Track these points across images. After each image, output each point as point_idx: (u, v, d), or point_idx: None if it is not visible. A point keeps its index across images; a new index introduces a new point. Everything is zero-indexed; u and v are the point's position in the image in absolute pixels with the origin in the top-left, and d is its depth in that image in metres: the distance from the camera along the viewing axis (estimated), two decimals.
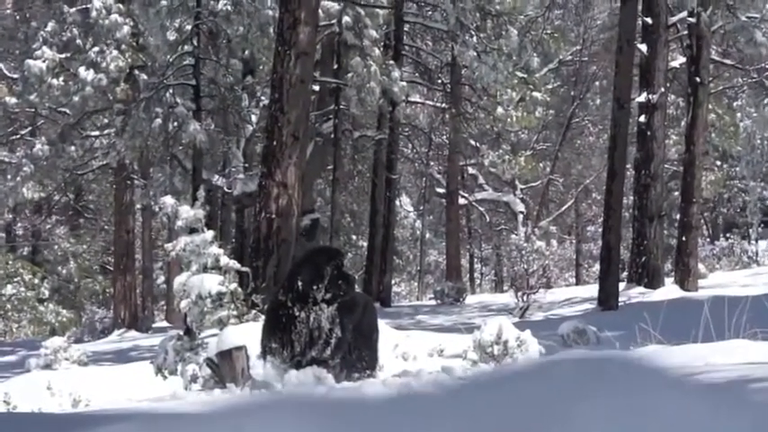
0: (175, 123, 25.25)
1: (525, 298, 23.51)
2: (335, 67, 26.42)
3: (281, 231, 15.77)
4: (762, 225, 40.08)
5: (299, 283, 7.56)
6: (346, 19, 24.99)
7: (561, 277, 42.08)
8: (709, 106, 28.79)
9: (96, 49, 25.01)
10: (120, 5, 25.31)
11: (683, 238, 25.35)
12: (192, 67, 25.21)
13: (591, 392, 3.00)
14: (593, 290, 24.43)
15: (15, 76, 29.64)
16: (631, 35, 22.83)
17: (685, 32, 26.27)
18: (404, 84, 26.10)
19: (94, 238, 41.49)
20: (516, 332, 11.06)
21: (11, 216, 40.00)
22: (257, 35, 24.83)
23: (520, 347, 10.84)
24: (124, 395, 11.32)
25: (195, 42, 24.90)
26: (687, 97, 26.65)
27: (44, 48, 25.45)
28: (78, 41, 25.88)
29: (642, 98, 24.75)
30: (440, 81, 32.07)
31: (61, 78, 25.51)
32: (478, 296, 33.92)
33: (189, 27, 25.05)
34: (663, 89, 24.87)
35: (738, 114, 35.62)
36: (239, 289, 11.23)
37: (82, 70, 24.87)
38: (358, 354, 7.94)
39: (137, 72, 26.35)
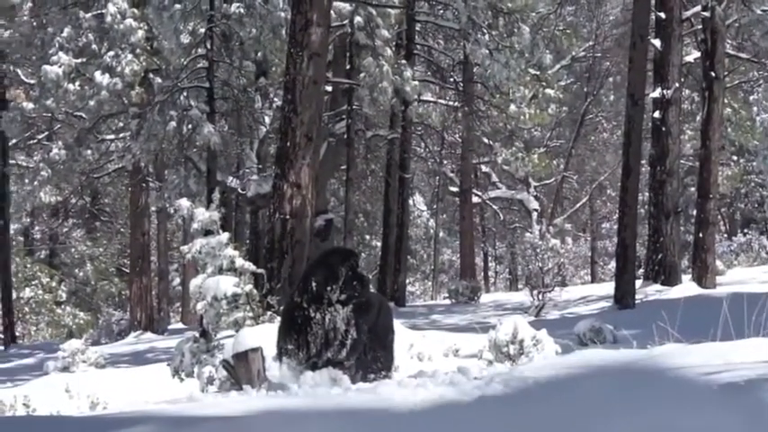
0: (190, 126, 25.29)
1: (540, 296, 23.43)
2: (348, 67, 26.41)
3: (296, 232, 15.76)
4: None
5: (314, 285, 7.54)
6: (358, 19, 24.97)
7: (576, 275, 42.03)
8: (725, 101, 28.62)
9: (111, 53, 25.06)
10: (135, 10, 25.35)
11: (700, 235, 25.22)
12: (205, 70, 25.24)
13: (611, 409, 2.96)
14: (608, 288, 24.34)
15: (32, 81, 29.71)
16: (645, 30, 22.72)
17: (700, 27, 26.14)
18: (416, 83, 26.05)
19: (110, 241, 41.63)
20: (532, 331, 11.02)
21: (28, 220, 40.20)
22: (270, 37, 24.84)
23: (536, 347, 10.81)
24: (141, 397, 11.35)
25: (208, 45, 24.93)
26: (702, 92, 26.52)
27: (60, 53, 25.51)
28: (94, 46, 25.93)
29: (656, 94, 24.65)
30: (452, 79, 32.00)
31: (77, 83, 25.56)
32: (493, 295, 33.86)
33: (202, 30, 25.09)
34: (677, 84, 24.76)
35: (755, 108, 35.39)
36: (254, 290, 11.21)
37: (97, 75, 24.92)
38: (373, 355, 7.92)
39: (151, 76, 26.40)
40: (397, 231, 29.22)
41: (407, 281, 35.20)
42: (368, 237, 43.30)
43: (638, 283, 23.24)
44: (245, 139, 27.19)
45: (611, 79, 43.86)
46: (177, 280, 44.28)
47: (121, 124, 29.90)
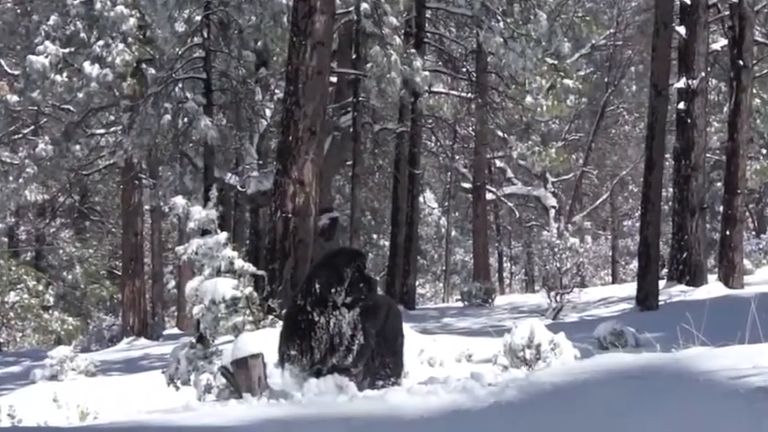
0: (185, 119, 25.35)
1: (558, 298, 23.45)
2: (354, 57, 26.42)
3: (298, 231, 15.78)
4: None
5: (318, 287, 7.56)
6: (364, 6, 24.98)
7: (596, 276, 42.02)
8: (754, 91, 28.59)
9: (101, 42, 25.12)
10: None
11: (727, 232, 25.20)
12: (202, 60, 25.29)
13: (633, 416, 2.97)
14: (630, 289, 24.35)
15: (17, 72, 29.81)
16: (669, 17, 22.70)
17: (727, 13, 26.12)
18: (426, 73, 26.06)
19: (101, 242, 41.68)
20: (549, 335, 11.02)
21: (13, 219, 40.23)
22: (270, 25, 24.87)
23: (553, 351, 10.81)
24: (135, 407, 11.37)
25: (205, 34, 24.99)
26: (729, 82, 26.49)
27: (46, 42, 25.57)
28: (82, 35, 25.98)
29: (681, 84, 24.63)
30: (464, 70, 32.01)
31: (65, 74, 25.61)
32: (508, 297, 33.88)
33: (198, 18, 25.14)
34: (703, 74, 24.74)
35: None
36: (255, 293, 11.24)
37: (86, 65, 24.97)
38: (381, 360, 7.92)
39: (144, 66, 26.45)
40: (406, 230, 29.25)
41: (417, 282, 35.23)
42: (375, 236, 43.35)
43: (662, 283, 23.24)
44: (244, 134, 27.23)
45: (633, 69, 43.84)
46: (172, 283, 44.40)
47: (112, 118, 29.96)
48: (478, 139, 34.38)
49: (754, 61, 27.96)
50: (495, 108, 31.13)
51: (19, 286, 34.67)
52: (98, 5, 25.18)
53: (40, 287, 35.30)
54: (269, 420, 5.24)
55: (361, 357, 7.65)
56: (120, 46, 25.04)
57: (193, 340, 11.30)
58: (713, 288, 23.19)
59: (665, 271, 25.84)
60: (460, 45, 33.05)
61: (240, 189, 26.80)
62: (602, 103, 42.72)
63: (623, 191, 47.83)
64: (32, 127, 33.93)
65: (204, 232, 11.65)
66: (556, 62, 29.15)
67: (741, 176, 25.61)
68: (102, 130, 30.29)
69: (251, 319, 10.83)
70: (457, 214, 47.10)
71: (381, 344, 7.91)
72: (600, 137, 44.19)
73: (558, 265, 23.73)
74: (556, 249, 23.90)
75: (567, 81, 29.91)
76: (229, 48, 26.21)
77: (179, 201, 12.01)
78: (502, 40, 25.30)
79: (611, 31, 41.96)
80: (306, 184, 15.86)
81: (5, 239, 40.95)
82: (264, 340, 8.60)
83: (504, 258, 50.30)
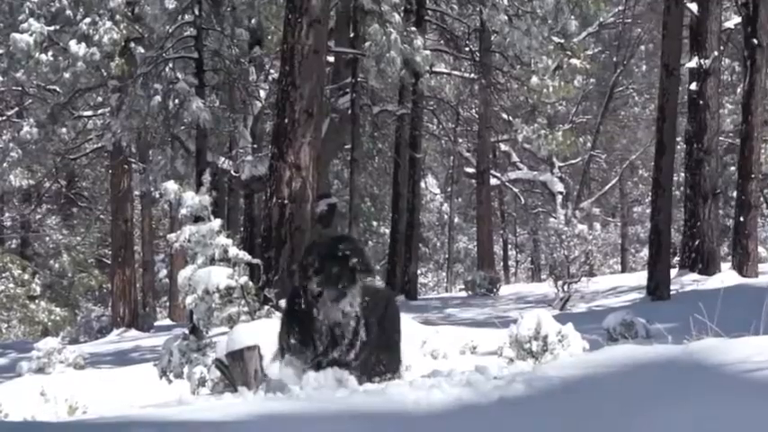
0: (176, 101, 25.31)
1: (566, 288, 23.49)
2: (352, 35, 26.38)
3: (295, 218, 15.79)
4: None
5: (299, 276, 7.60)
6: None
7: (605, 264, 41.98)
8: None
9: (88, 20, 25.06)
10: None
11: (741, 219, 25.22)
12: (193, 39, 25.24)
13: (644, 410, 2.98)
14: (641, 277, 24.38)
15: (0, 51, 29.76)
16: None
17: None
18: (427, 52, 26.02)
19: (89, 229, 41.71)
20: (557, 326, 11.05)
21: None
22: (265, 2, 24.88)
23: (561, 343, 10.84)
24: (126, 401, 11.40)
25: (197, 11, 24.93)
26: (743, 61, 26.47)
27: (31, 20, 25.51)
28: (68, 12, 25.92)
29: (693, 63, 24.61)
30: (467, 49, 31.96)
31: (50, 53, 25.56)
32: (514, 286, 33.94)
33: None
34: (716, 53, 24.72)
35: None
36: (250, 282, 11.24)
37: (73, 44, 24.92)
38: (377, 356, 7.92)
39: (133, 45, 26.39)
40: (407, 217, 29.26)
41: (419, 271, 35.25)
42: (375, 223, 43.38)
43: (673, 272, 23.29)
44: (238, 116, 27.22)
45: (642, 48, 43.80)
46: (164, 272, 44.44)
47: (100, 99, 29.95)
48: (482, 121, 34.35)
49: None
50: (500, 89, 31.11)
51: (4, 275, 34.74)
52: None
53: (26, 276, 35.38)
54: (266, 415, 5.25)
55: (363, 352, 7.66)
56: (108, 24, 24.98)
57: (186, 331, 11.33)
58: (727, 277, 23.23)
59: (676, 259, 25.87)
60: (463, 23, 32.97)
61: (234, 174, 26.79)
62: (611, 84, 42.67)
63: (633, 175, 47.82)
64: (16, 109, 33.93)
65: (197, 219, 11.65)
66: (562, 41, 29.10)
67: (755, 160, 25.61)
68: (89, 112, 30.28)
69: (246, 309, 10.83)
70: (460, 200, 47.10)
71: (379, 339, 7.91)
72: (608, 119, 44.17)
73: (566, 253, 23.75)
74: (563, 237, 23.93)
75: (574, 61, 29.85)
76: (222, 26, 26.16)
77: (170, 186, 11.99)
78: (506, 17, 25.26)
79: (620, 8, 41.86)
80: (302, 168, 15.86)
81: None
82: (260, 331, 8.62)
83: (510, 246, 50.32)
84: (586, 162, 44.00)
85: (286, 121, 16.00)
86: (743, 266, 24.56)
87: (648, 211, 26.92)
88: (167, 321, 34.12)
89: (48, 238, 42.04)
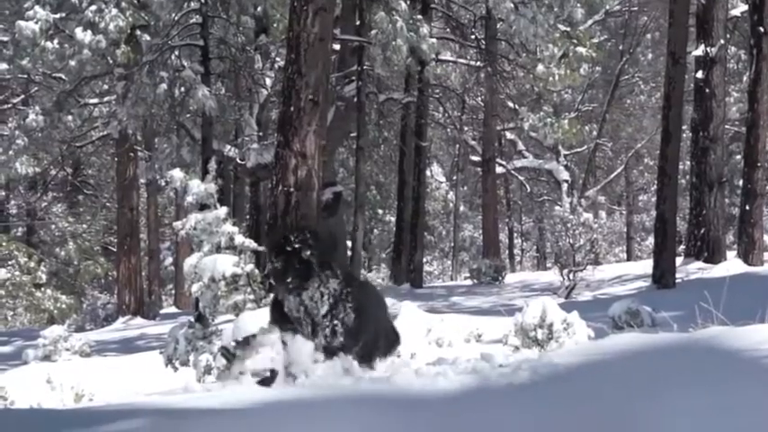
0: (182, 89, 25.29)
1: (571, 276, 23.48)
2: (358, 23, 26.34)
3: (301, 206, 15.74)
4: None
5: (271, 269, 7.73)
6: None
7: (611, 252, 42.00)
8: None
9: (94, 7, 25.02)
10: None
11: (747, 207, 25.19)
12: (199, 26, 25.23)
13: (650, 397, 2.97)
14: (646, 266, 24.37)
15: (5, 39, 29.74)
16: None
17: None
18: (433, 40, 25.96)
19: (95, 217, 41.73)
20: (562, 314, 11.06)
21: (3, 193, 40.33)
22: None
23: (566, 331, 10.85)
24: (131, 388, 11.44)
25: None
26: (750, 49, 26.40)
27: (36, 7, 25.49)
28: (74, 0, 25.92)
29: (699, 51, 24.56)
30: (473, 37, 31.88)
31: (56, 41, 25.54)
32: (519, 275, 33.91)
33: None
34: (722, 41, 24.66)
35: None
36: (256, 270, 11.24)
37: (78, 31, 24.90)
38: (373, 341, 7.96)
39: (139, 33, 26.36)
40: (412, 205, 29.26)
41: (425, 259, 35.28)
42: (381, 211, 43.38)
43: (679, 260, 23.27)
44: (243, 104, 27.19)
45: (649, 36, 43.70)
46: (169, 260, 44.50)
47: (106, 87, 29.93)
48: (488, 109, 34.31)
49: None
50: (506, 77, 31.02)
51: (10, 263, 34.77)
52: None
53: (32, 264, 35.41)
54: (272, 403, 5.25)
55: (350, 338, 7.67)
56: (114, 11, 24.95)
57: (192, 319, 11.33)
58: (732, 265, 23.21)
59: (682, 247, 25.85)
60: (469, 11, 32.93)
61: (240, 162, 26.78)
62: (617, 73, 42.60)
63: (639, 164, 47.77)
64: (22, 96, 33.92)
65: (203, 207, 11.65)
66: (569, 29, 29.01)
67: (762, 149, 25.56)
68: (95, 100, 30.26)
69: (252, 297, 10.83)
70: (465, 188, 47.09)
71: (365, 323, 7.93)
72: (614, 107, 44.09)
73: (571, 241, 23.74)
74: (569, 225, 23.90)
75: (580, 49, 29.76)
76: (228, 13, 26.14)
77: (176, 174, 11.98)
78: (512, 5, 25.19)
79: None
80: (308, 156, 15.82)
81: None
82: (266, 319, 8.63)
83: (515, 234, 50.32)
84: (592, 150, 43.93)
85: (292, 109, 15.95)
86: (748, 255, 24.54)
87: (654, 199, 26.87)
88: (173, 309, 34.17)
89: (53, 226, 42.09)
